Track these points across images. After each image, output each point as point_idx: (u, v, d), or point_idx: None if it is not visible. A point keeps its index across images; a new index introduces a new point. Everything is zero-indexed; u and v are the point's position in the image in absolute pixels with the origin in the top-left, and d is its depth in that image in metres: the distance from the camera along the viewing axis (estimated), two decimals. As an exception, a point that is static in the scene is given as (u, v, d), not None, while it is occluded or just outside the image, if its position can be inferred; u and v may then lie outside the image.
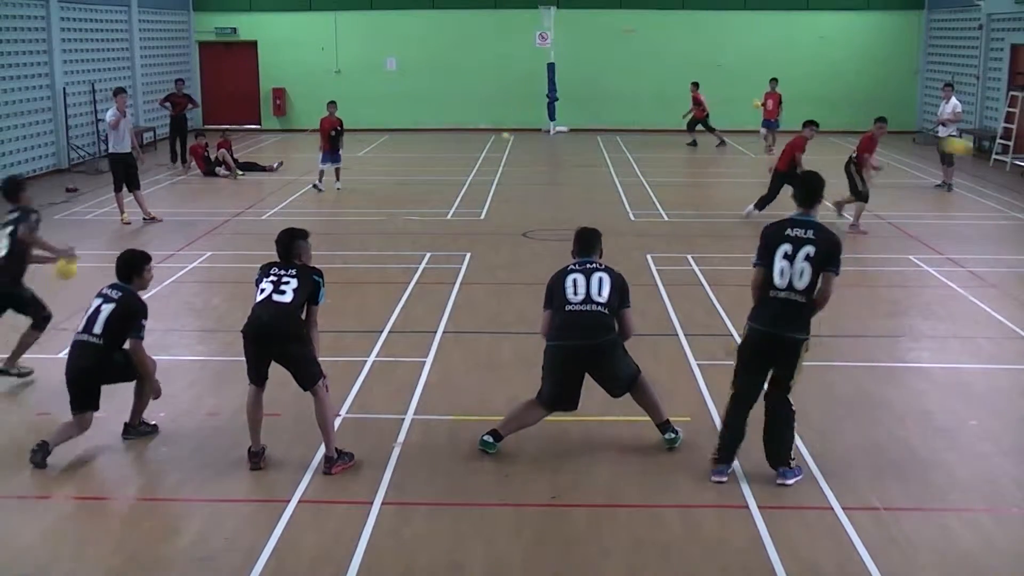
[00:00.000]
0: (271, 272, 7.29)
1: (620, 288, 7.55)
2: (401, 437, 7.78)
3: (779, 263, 6.95)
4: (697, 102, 26.38)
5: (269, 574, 5.91)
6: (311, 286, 7.21)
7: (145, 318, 7.57)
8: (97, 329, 7.46)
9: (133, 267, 7.72)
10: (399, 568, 5.98)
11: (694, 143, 26.34)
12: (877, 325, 10.94)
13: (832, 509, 6.67)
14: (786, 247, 6.95)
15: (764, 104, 25.07)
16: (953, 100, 20.02)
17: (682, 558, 6.12)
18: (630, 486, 7.05)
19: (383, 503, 6.73)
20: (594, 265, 7.64)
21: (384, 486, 6.96)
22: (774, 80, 25.19)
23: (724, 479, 7.09)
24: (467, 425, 8.01)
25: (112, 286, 7.70)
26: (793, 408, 7.09)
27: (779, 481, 7.01)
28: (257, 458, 7.29)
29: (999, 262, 13.71)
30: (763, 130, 25.40)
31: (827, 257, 6.94)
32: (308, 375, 7.22)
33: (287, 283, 7.17)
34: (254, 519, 6.57)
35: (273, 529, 6.37)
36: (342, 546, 6.18)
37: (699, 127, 26.48)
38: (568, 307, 7.48)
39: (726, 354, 7.48)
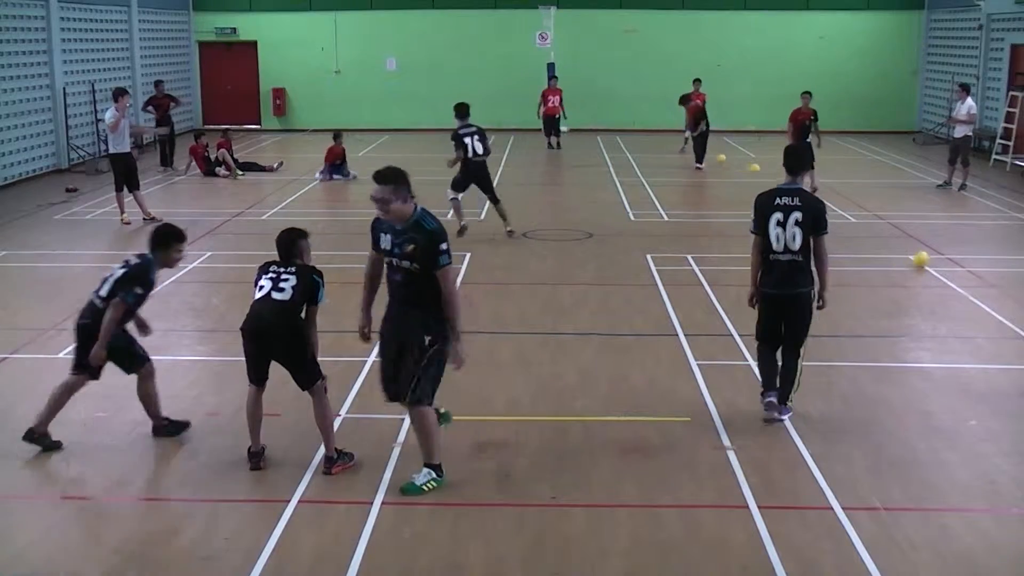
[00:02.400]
0: (270, 270, 7.28)
1: None
2: (401, 437, 7.78)
3: (773, 231, 7.85)
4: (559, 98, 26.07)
5: (269, 574, 5.91)
6: (311, 286, 7.20)
7: (143, 287, 7.49)
8: (103, 291, 7.52)
9: (159, 242, 7.63)
10: (399, 568, 5.98)
11: (555, 145, 25.99)
12: (877, 325, 10.94)
13: (832, 509, 6.67)
14: (778, 215, 7.85)
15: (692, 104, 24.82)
16: (968, 101, 19.94)
17: (682, 558, 6.12)
18: (630, 486, 7.05)
19: (383, 503, 6.73)
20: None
21: (384, 486, 6.96)
22: (697, 81, 25.05)
23: (772, 399, 8.06)
24: (467, 425, 8.01)
25: (137, 254, 7.72)
26: (800, 361, 8.02)
27: (768, 414, 8.02)
28: (257, 458, 7.29)
29: (999, 262, 13.71)
30: (687, 132, 25.01)
31: (815, 221, 7.80)
32: (306, 375, 7.22)
33: (286, 280, 7.15)
34: (254, 519, 6.57)
35: (273, 529, 6.37)
36: (342, 546, 6.18)
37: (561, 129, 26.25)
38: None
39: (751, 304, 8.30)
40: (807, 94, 19.79)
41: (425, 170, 21.95)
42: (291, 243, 7.36)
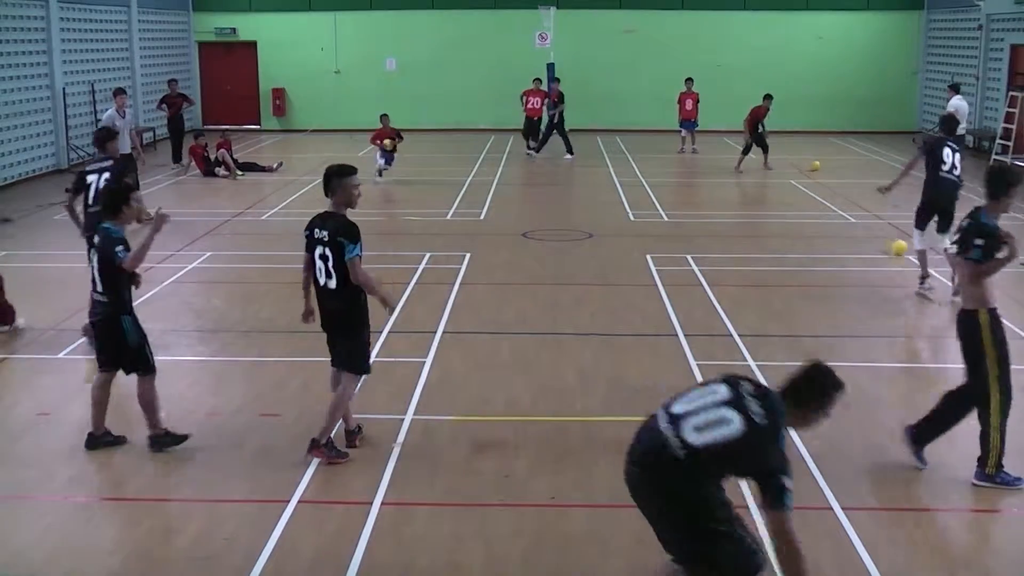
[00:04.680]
0: (314, 235, 7.24)
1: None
2: (401, 437, 7.78)
3: None
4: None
5: (269, 574, 5.91)
6: (340, 251, 7.18)
7: (122, 244, 7.33)
8: (100, 287, 7.48)
9: (111, 206, 7.49)
10: (399, 568, 5.98)
11: (533, 151, 25.10)
12: (877, 325, 10.93)
13: (832, 509, 6.67)
14: None
15: (682, 104, 25.03)
16: (951, 101, 20.17)
17: (682, 558, 6.11)
18: (630, 486, 7.03)
19: (383, 503, 6.73)
20: None
21: (384, 486, 6.96)
22: (690, 80, 25.13)
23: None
24: (467, 425, 8.02)
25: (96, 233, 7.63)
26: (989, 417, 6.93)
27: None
28: (353, 436, 7.52)
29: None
30: (682, 131, 25.27)
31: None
32: (350, 358, 7.41)
33: (327, 259, 7.17)
34: (254, 519, 6.56)
35: (273, 529, 6.37)
36: (342, 546, 6.18)
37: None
38: None
39: None
40: (769, 97, 22.48)
41: (425, 170, 22.08)
42: (327, 181, 7.31)
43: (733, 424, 4.75)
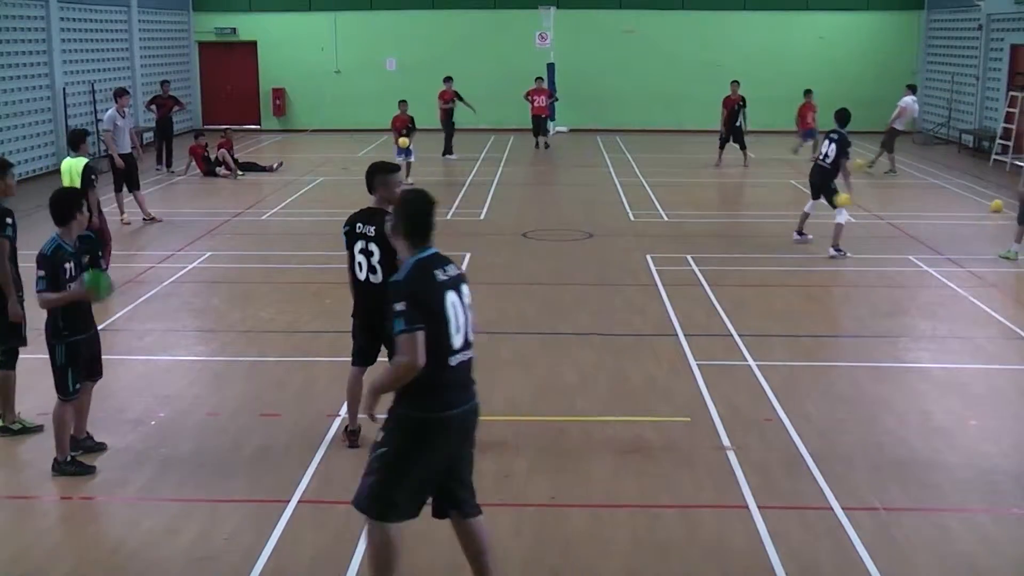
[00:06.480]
0: (356, 231, 7.25)
1: None
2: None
3: None
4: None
5: (269, 574, 5.91)
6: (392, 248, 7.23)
7: (44, 270, 7.22)
8: None
9: None
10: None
11: (542, 146, 25.80)
12: (877, 325, 10.93)
13: (832, 509, 6.66)
14: None
15: (803, 116, 23.92)
16: (903, 98, 22.20)
17: (682, 558, 6.12)
18: (630, 486, 7.04)
19: (383, 503, 6.72)
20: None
21: (384, 486, 6.95)
22: (809, 91, 23.90)
23: None
24: (467, 425, 8.01)
25: None
26: None
27: None
28: (355, 436, 7.53)
29: (999, 262, 13.71)
30: (807, 141, 23.64)
31: None
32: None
33: (372, 254, 7.19)
34: (254, 519, 6.56)
35: (273, 529, 6.37)
36: (342, 546, 6.17)
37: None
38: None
39: None
40: (735, 83, 23.33)
41: (425, 170, 22.09)
42: (369, 178, 7.31)
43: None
